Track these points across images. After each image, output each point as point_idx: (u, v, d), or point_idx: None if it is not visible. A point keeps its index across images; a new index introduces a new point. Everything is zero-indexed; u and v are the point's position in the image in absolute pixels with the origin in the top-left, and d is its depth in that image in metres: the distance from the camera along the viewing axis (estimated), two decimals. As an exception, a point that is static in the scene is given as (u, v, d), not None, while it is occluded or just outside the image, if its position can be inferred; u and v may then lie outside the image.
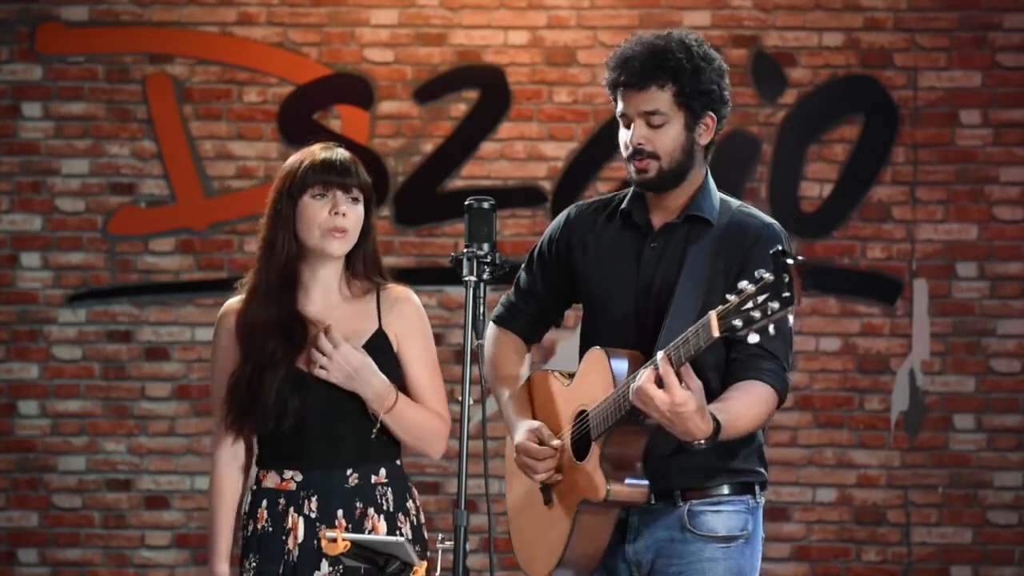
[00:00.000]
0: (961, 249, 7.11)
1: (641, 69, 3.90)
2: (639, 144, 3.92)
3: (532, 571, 4.09)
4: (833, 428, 7.11)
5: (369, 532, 4.05)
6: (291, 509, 4.05)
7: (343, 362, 4.03)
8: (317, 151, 4.11)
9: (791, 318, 3.46)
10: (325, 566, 3.99)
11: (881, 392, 7.11)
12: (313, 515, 4.04)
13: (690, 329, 3.61)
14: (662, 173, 3.93)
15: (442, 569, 3.64)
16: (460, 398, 3.74)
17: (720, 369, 3.87)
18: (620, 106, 3.96)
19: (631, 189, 4.06)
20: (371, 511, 4.08)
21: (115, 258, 7.13)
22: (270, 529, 4.06)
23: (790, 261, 3.43)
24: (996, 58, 7.12)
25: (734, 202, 4.02)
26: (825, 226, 7.13)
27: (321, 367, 4.03)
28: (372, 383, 4.06)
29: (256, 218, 4.18)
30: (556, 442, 3.98)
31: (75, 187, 7.14)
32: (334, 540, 3.49)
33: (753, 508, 3.98)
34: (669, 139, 3.93)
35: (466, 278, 3.77)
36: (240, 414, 4.06)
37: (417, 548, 4.05)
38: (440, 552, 3.65)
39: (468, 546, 3.65)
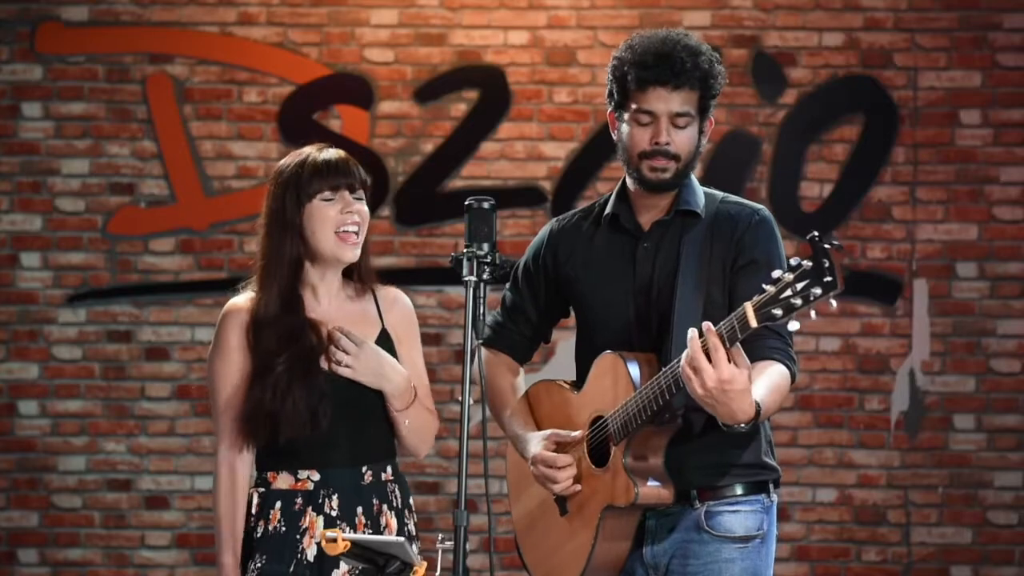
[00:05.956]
0: (961, 249, 7.11)
1: (680, 69, 3.87)
2: (667, 144, 3.90)
3: None
4: (833, 428, 7.11)
5: (383, 528, 4.07)
6: (309, 508, 4.04)
7: (369, 360, 4.04)
8: (314, 153, 4.08)
9: (834, 303, 3.44)
10: (343, 565, 3.97)
11: (881, 392, 7.10)
12: (334, 513, 4.04)
13: (723, 323, 3.58)
14: (678, 174, 3.93)
15: (442, 569, 3.64)
16: (460, 398, 3.74)
17: None
18: (640, 103, 3.90)
19: (611, 194, 4.04)
20: (385, 508, 4.09)
21: (115, 258, 7.13)
22: (283, 529, 4.04)
23: (827, 246, 3.42)
24: (996, 58, 7.12)
25: (718, 194, 4.01)
26: (825, 226, 7.12)
27: (347, 366, 4.03)
28: (397, 380, 4.08)
29: (256, 218, 4.17)
30: (576, 433, 3.94)
31: (75, 187, 7.14)
32: (333, 540, 3.48)
33: (768, 507, 3.97)
34: (689, 140, 3.92)
35: (466, 278, 3.76)
36: (265, 421, 4.01)
37: (418, 546, 4.07)
38: (440, 552, 3.64)
39: (468, 546, 3.64)
